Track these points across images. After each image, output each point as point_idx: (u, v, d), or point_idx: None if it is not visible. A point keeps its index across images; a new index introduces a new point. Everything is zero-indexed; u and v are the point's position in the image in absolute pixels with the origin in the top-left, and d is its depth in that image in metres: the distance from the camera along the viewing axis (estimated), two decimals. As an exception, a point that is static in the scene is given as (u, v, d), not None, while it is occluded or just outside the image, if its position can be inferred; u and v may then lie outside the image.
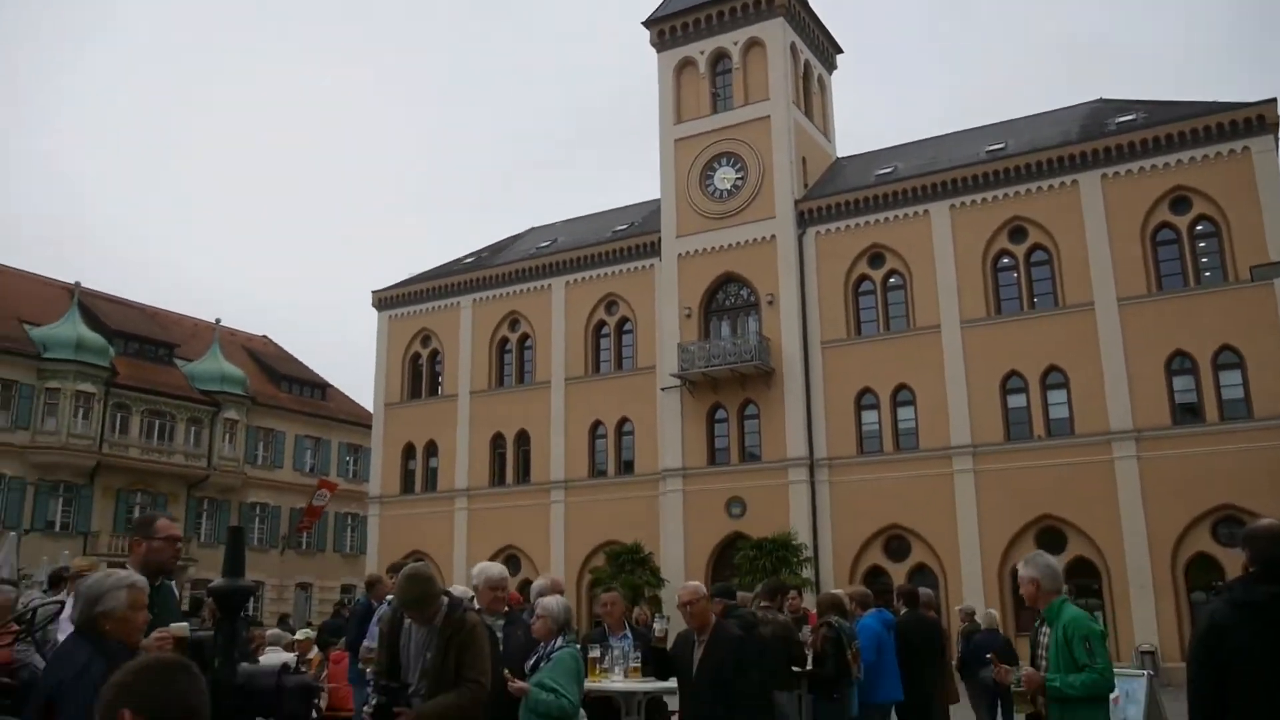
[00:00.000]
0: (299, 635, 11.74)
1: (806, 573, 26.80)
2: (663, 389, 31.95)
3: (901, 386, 28.98)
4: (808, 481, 29.42)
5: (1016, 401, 27.64)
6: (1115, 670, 7.98)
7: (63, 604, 6.72)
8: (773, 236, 31.23)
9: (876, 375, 29.14)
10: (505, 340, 36.36)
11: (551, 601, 6.12)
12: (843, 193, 30.76)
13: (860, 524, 28.52)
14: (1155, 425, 25.44)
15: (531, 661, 5.93)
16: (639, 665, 6.30)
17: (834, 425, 29.50)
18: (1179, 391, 25.77)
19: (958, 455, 27.64)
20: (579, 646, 6.10)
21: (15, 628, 6.56)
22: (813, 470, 29.45)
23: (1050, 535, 26.11)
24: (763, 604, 7.99)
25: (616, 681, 6.16)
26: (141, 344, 41.47)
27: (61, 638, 6.69)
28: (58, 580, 8.78)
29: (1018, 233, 28.44)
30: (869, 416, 29.50)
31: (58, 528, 35.76)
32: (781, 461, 29.81)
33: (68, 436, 36.11)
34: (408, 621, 4.81)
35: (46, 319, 37.69)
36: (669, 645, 6.11)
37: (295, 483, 43.86)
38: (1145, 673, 7.61)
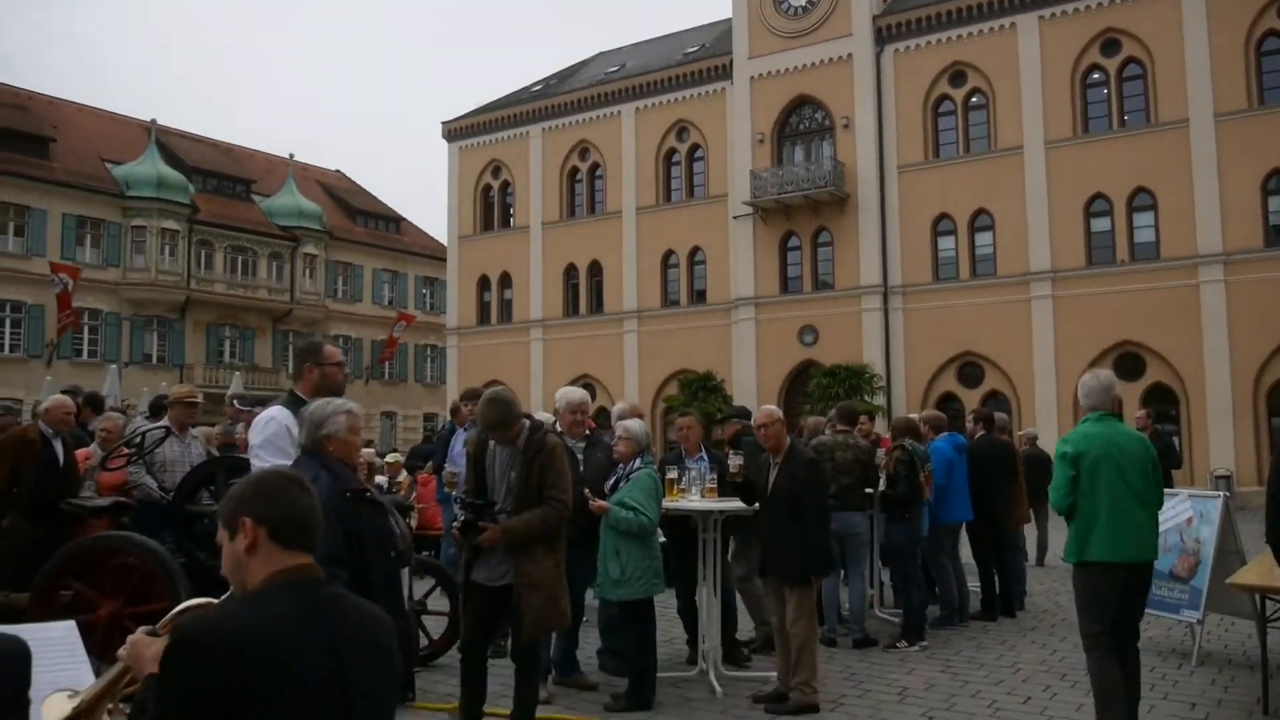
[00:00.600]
0: (388, 459, 12.28)
1: (879, 399, 26.97)
2: (735, 217, 31.61)
3: (980, 211, 28.25)
4: (881, 309, 29.24)
5: (1100, 225, 26.80)
6: (1190, 493, 8.03)
7: (168, 429, 7.13)
8: (849, 55, 30.03)
9: (954, 200, 28.40)
10: (575, 170, 36.07)
11: (634, 424, 6.31)
12: (923, 7, 29.24)
13: (933, 351, 28.43)
14: (1246, 248, 24.54)
15: (611, 481, 6.18)
16: (715, 486, 6.51)
17: (909, 252, 29.04)
18: (1274, 213, 24.71)
19: (1036, 281, 27.11)
20: (656, 468, 6.31)
21: (125, 451, 6.99)
22: (886, 298, 29.21)
23: (1129, 361, 25.76)
24: (838, 428, 8.12)
25: (694, 501, 6.38)
26: (219, 180, 42.04)
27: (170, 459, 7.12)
28: (158, 408, 9.22)
29: (1110, 45, 26.90)
30: (945, 243, 28.93)
31: (154, 360, 37.34)
32: (855, 289, 29.59)
33: (156, 273, 37.24)
34: (493, 443, 5.02)
35: (127, 157, 38.30)
36: (745, 474, 6.28)
37: (374, 316, 44.92)
38: (1221, 495, 7.62)
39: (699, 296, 33.12)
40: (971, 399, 27.07)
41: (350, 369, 43.18)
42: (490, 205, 38.22)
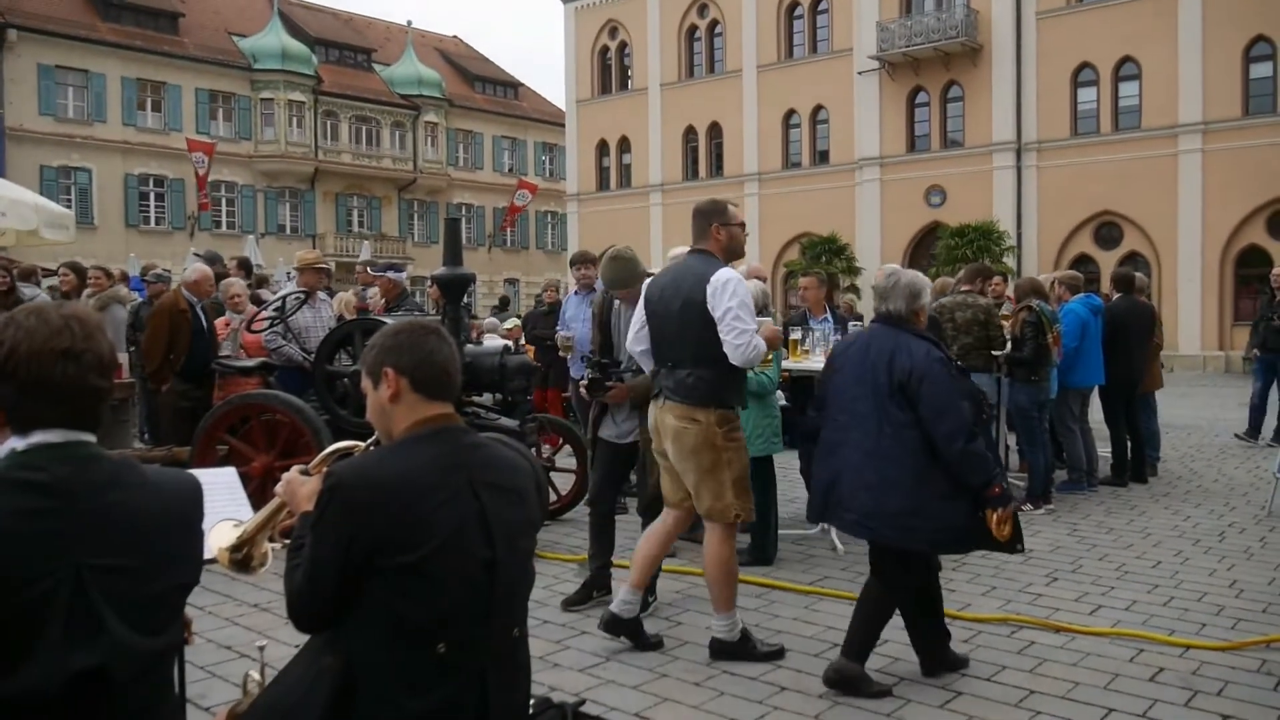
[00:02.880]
0: (508, 324, 12.53)
1: (1009, 261, 26.09)
2: (860, 73, 30.39)
3: (1125, 60, 26.45)
4: (1014, 167, 27.99)
5: (1261, 71, 24.81)
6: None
7: (307, 293, 7.42)
8: (986, -108, 28.03)
9: (1097, 48, 26.61)
10: (694, 28, 35.06)
11: (750, 285, 6.30)
12: None
13: (1069, 210, 27.19)
14: None
15: None
16: (839, 346, 6.45)
17: (1046, 105, 27.52)
18: None
19: (1185, 134, 25.44)
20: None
21: (264, 316, 7.31)
22: (1020, 155, 27.91)
23: (1285, 218, 24.20)
24: (963, 288, 7.90)
25: (817, 361, 6.36)
26: (341, 50, 42.41)
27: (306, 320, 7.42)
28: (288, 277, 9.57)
29: None
30: (1086, 94, 27.29)
31: (287, 231, 38.65)
32: (986, 146, 28.33)
33: (285, 145, 38.19)
34: (617, 302, 5.07)
35: (251, 30, 38.89)
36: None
37: (495, 183, 45.27)
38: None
39: (821, 157, 32.26)
40: (1108, 261, 25.94)
41: (473, 236, 43.97)
42: (608, 68, 37.62)
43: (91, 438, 1.83)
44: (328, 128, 40.03)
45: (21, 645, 1.65)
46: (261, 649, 2.74)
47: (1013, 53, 27.77)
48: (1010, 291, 9.11)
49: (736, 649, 4.36)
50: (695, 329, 4.11)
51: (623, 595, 4.47)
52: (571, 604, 5.08)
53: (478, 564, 2.18)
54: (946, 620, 4.32)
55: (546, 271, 46.19)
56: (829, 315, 6.87)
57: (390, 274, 7.92)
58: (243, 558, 2.58)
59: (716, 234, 4.27)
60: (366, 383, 2.35)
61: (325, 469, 2.47)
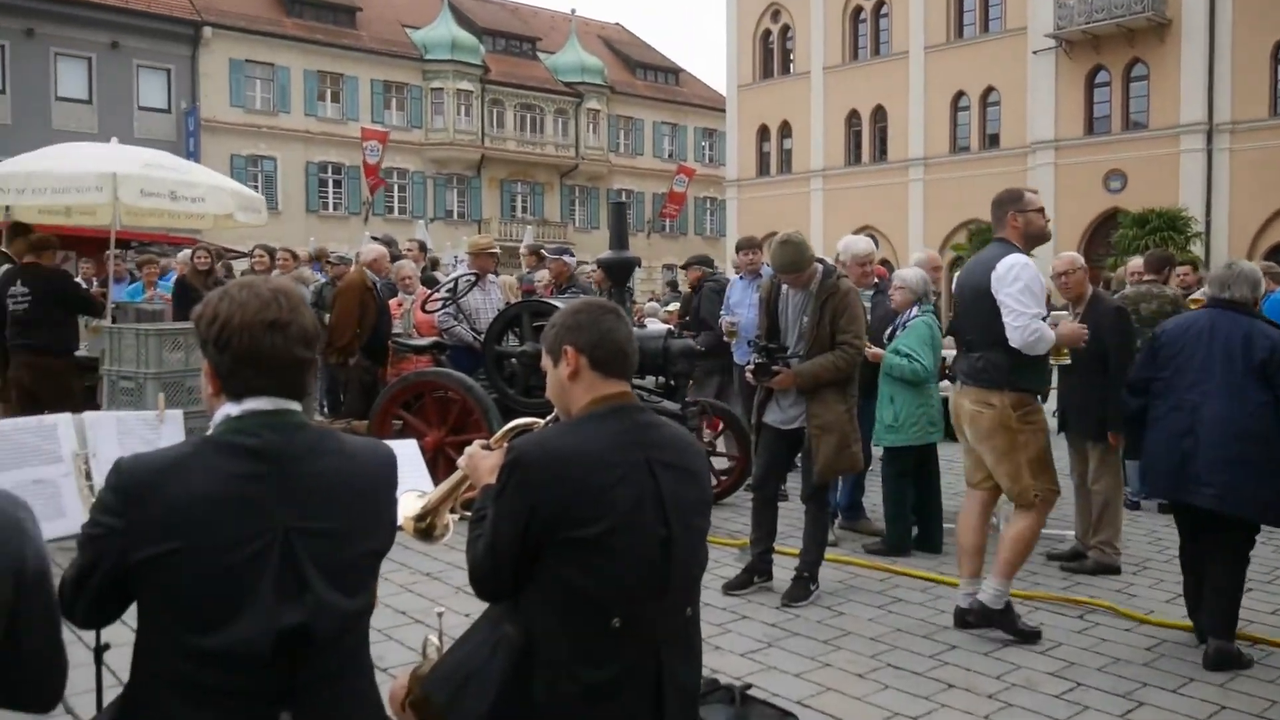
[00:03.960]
0: (669, 308, 12.58)
1: (1195, 249, 24.54)
2: (1035, 52, 29.09)
3: (1335, 32, 24.45)
4: (1204, 150, 26.28)
5: None
6: None
7: (478, 276, 7.64)
8: None
9: (1303, 20, 24.68)
10: (859, 9, 34.31)
11: (910, 273, 6.16)
12: None
13: (1265, 195, 25.34)
14: None
15: (889, 330, 6.11)
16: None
17: (1242, 83, 25.69)
18: None
19: (1403, 111, 23.35)
20: (933, 315, 6.11)
21: (437, 297, 7.56)
22: (1211, 137, 26.19)
23: None
24: (1146, 277, 7.46)
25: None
26: (507, 40, 43.44)
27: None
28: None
29: None
30: (1288, 71, 25.36)
31: (455, 216, 39.91)
32: (1172, 128, 26.70)
33: (454, 133, 39.44)
34: (785, 287, 5.01)
35: (423, 22, 40.25)
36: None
37: (655, 169, 45.51)
38: None
39: (991, 141, 31.08)
40: (1309, 249, 24.09)
41: (632, 221, 44.34)
42: (770, 52, 37.25)
43: (297, 406, 1.92)
44: (494, 116, 41.09)
45: (235, 602, 1.75)
46: (440, 615, 2.84)
47: (1205, 27, 26.04)
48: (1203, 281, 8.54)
49: (996, 618, 4.42)
50: (984, 314, 4.28)
51: (993, 586, 4.46)
52: (732, 588, 5.07)
53: (654, 541, 2.19)
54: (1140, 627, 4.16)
55: (704, 257, 46.20)
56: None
57: (565, 257, 8.13)
58: (426, 527, 2.68)
59: (1013, 221, 4.42)
60: (546, 360, 2.39)
61: (506, 444, 2.54)
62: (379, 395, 6.71)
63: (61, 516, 2.60)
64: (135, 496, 1.76)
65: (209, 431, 1.94)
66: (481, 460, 2.52)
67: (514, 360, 6.55)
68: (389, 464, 2.04)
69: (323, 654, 1.83)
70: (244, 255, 12.02)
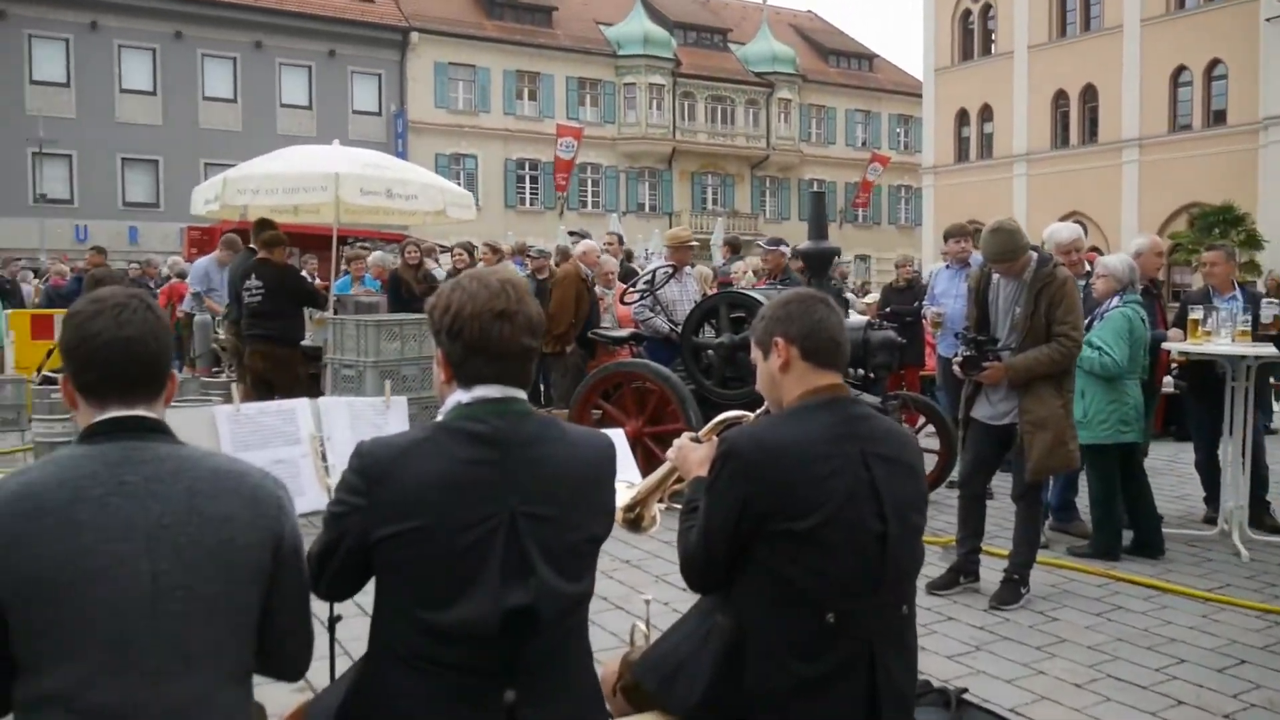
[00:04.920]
0: (869, 299, 12.33)
1: None
2: (1268, 19, 26.78)
3: None
4: None
5: None
6: None
7: (675, 268, 7.70)
8: None
9: None
10: (1068, -18, 32.53)
11: (1114, 259, 5.78)
12: None
13: None
14: None
15: (1088, 320, 5.75)
16: (1248, 329, 5.72)
17: None
18: None
19: None
20: (1139, 306, 5.71)
21: (634, 290, 7.66)
22: None
23: None
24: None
25: (1221, 344, 5.69)
26: (699, 32, 43.60)
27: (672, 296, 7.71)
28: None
29: None
30: None
31: (646, 209, 40.44)
32: None
33: (646, 127, 39.95)
34: (996, 276, 4.81)
35: (617, 19, 40.92)
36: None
37: (848, 158, 44.70)
38: None
39: (1216, 118, 28.86)
40: None
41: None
42: (969, 32, 35.85)
43: (522, 394, 1.99)
44: (685, 108, 41.35)
45: (465, 582, 1.83)
46: (648, 603, 2.88)
47: None
48: None
49: None
50: None
51: None
52: (937, 588, 4.92)
53: (869, 536, 2.15)
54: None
55: (899, 247, 45.06)
56: (1237, 293, 6.12)
57: (781, 248, 8.14)
58: (634, 517, 2.71)
59: None
60: (756, 352, 2.38)
61: (715, 436, 2.54)
62: (579, 384, 6.87)
63: (301, 495, 2.78)
64: (376, 477, 1.86)
65: (439, 417, 2.03)
66: (691, 452, 2.53)
67: (711, 352, 6.57)
68: (609, 453, 2.08)
69: (546, 635, 1.89)
70: (446, 250, 12.55)
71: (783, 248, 8.26)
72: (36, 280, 16.42)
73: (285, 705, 2.38)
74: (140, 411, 1.77)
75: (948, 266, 7.42)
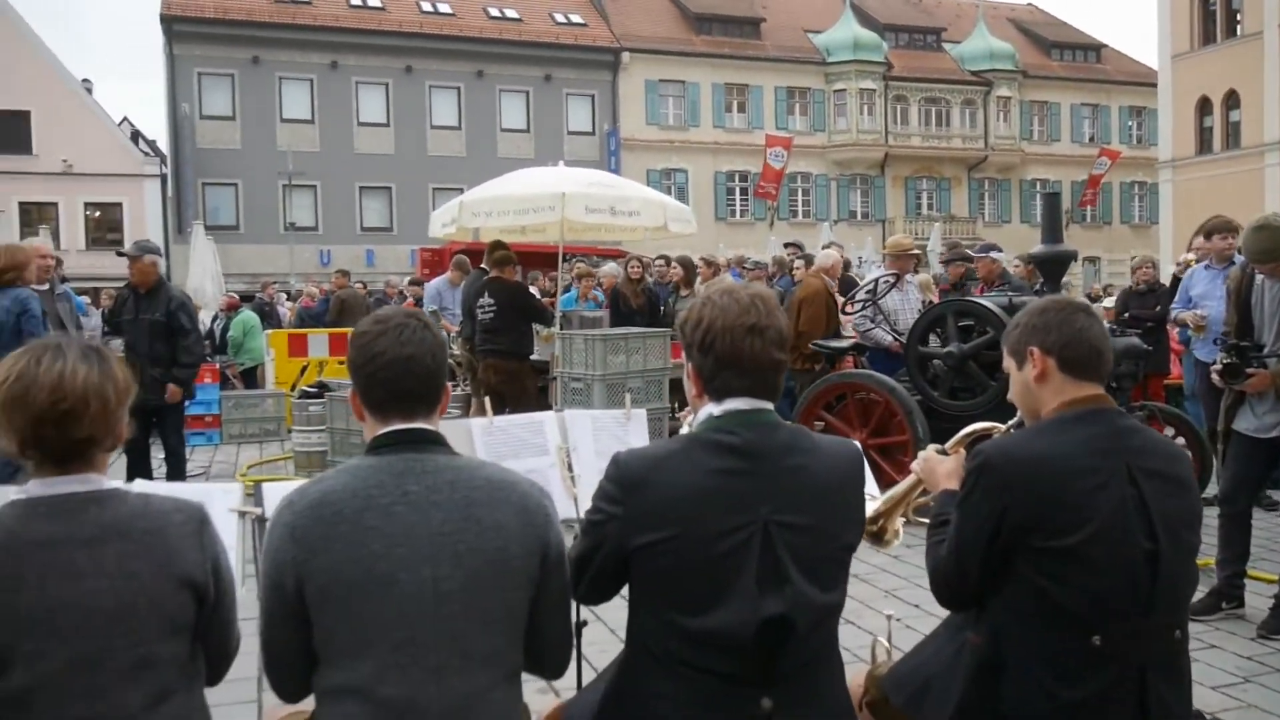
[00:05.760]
0: (1105, 304, 11.66)
1: None
2: None
3: None
4: None
5: None
6: None
7: (897, 276, 7.55)
8: None
9: None
10: (1326, -46, 29.68)
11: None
12: None
13: None
14: None
15: None
16: None
17: None
18: None
19: None
20: None
21: (856, 299, 7.55)
22: None
23: None
24: None
25: None
26: (910, 34, 42.54)
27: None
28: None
29: None
30: None
31: (858, 217, 39.72)
32: None
33: (857, 133, 39.29)
34: (1260, 278, 4.45)
35: (825, 25, 40.49)
36: None
37: (1073, 155, 42.38)
38: None
39: None
40: None
41: (1048, 214, 41.56)
42: (1211, 14, 33.26)
43: (770, 405, 2.01)
44: (897, 112, 40.42)
45: (721, 589, 1.87)
46: (889, 618, 2.84)
47: None
48: None
49: None
50: None
51: None
52: (1196, 613, 4.57)
53: (1139, 554, 2.04)
54: None
55: (1132, 248, 42.28)
56: None
57: (992, 254, 7.83)
58: (877, 530, 2.68)
59: None
60: (1009, 362, 2.31)
61: (963, 449, 2.48)
62: (803, 396, 6.83)
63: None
64: (632, 487, 1.92)
65: (690, 429, 2.09)
66: (938, 465, 2.48)
67: (938, 362, 6.39)
68: (858, 461, 2.07)
69: (800, 645, 1.90)
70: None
71: (994, 254, 7.91)
72: (291, 303, 17.85)
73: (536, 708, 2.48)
74: (419, 424, 1.91)
75: (1207, 266, 6.90)
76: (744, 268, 10.79)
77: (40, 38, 31.47)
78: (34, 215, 29.99)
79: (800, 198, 39.29)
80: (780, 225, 36.35)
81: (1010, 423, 2.47)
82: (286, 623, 1.81)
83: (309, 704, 1.91)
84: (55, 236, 26.00)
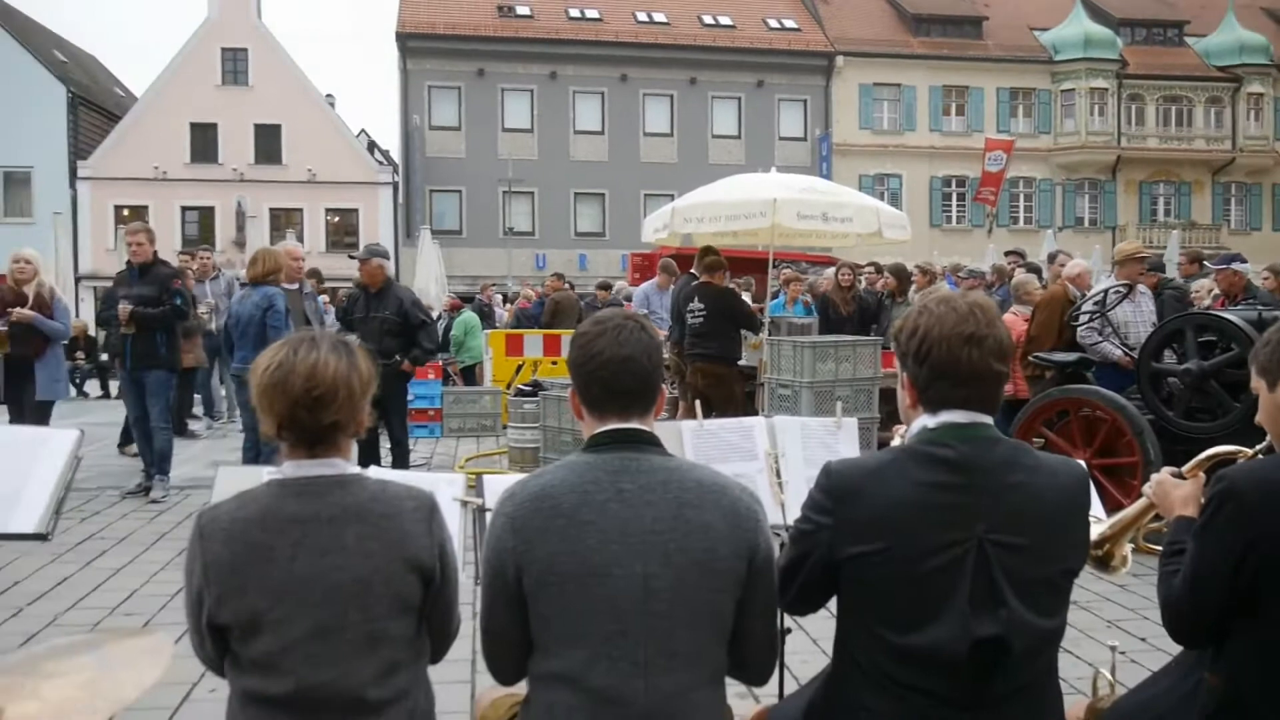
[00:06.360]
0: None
1: None
2: None
3: None
4: None
5: None
6: None
7: (1129, 287, 7.11)
8: None
9: None
10: None
11: None
12: None
13: None
14: None
15: None
16: None
17: None
18: None
19: None
20: None
21: (1083, 311, 7.14)
22: None
23: None
24: None
25: None
26: (1149, 28, 39.84)
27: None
28: None
29: None
30: None
31: (1085, 224, 37.58)
32: None
33: (1086, 135, 37.16)
34: None
35: (1053, 22, 38.54)
36: None
37: (1337, 156, 38.58)
38: None
39: None
40: None
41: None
42: None
43: (988, 419, 1.94)
44: (1131, 112, 37.95)
45: (931, 606, 1.82)
46: (1114, 649, 2.68)
47: None
48: None
49: None
50: None
51: None
52: None
53: None
54: None
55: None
56: None
57: (1234, 265, 7.22)
58: (1103, 555, 2.54)
59: None
60: (1258, 382, 2.14)
61: (1202, 473, 2.32)
62: (1022, 410, 6.53)
63: (758, 510, 2.91)
64: (842, 497, 1.90)
65: (902, 440, 2.04)
66: (1173, 489, 2.32)
67: (1174, 379, 5.97)
68: (1084, 482, 1.98)
69: (1016, 670, 1.83)
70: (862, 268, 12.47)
71: (1236, 264, 7.26)
72: (509, 304, 18.62)
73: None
74: (635, 424, 1.95)
75: None
76: (959, 276, 10.42)
77: (292, 58, 34.15)
78: (282, 220, 32.64)
79: (1021, 203, 37.55)
80: (999, 232, 34.90)
81: (1258, 447, 2.28)
82: (505, 608, 1.89)
83: (520, 688, 1.99)
84: (299, 239, 28.11)
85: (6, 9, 34.33)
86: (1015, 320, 7.41)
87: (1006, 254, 10.39)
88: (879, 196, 34.17)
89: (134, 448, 8.06)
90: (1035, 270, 9.15)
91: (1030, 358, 7.05)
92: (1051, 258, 10.55)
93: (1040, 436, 6.40)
